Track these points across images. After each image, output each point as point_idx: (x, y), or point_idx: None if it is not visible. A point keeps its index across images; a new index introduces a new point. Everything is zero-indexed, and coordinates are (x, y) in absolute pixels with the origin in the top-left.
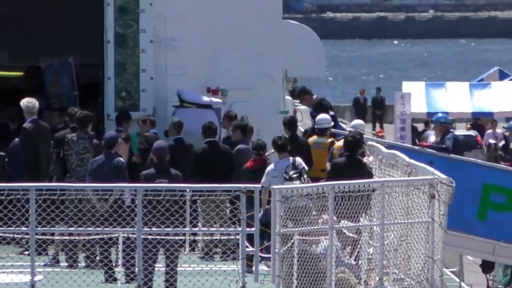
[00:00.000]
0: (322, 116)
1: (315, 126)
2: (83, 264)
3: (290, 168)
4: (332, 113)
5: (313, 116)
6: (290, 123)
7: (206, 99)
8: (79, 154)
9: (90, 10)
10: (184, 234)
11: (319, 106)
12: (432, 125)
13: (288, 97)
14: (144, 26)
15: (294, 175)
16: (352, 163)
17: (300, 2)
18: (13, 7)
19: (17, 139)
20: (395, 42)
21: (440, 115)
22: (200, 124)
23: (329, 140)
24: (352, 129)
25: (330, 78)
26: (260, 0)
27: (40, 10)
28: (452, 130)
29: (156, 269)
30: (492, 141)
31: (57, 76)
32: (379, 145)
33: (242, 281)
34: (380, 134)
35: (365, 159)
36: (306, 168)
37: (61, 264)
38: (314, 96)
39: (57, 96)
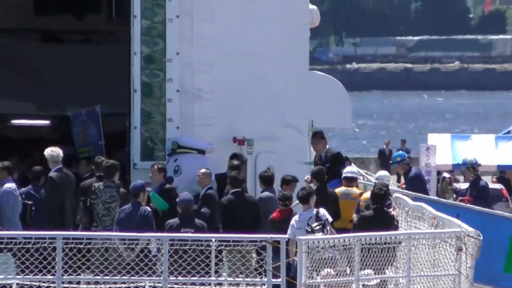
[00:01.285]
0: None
1: (343, 176)
2: None
3: (313, 220)
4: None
5: (328, 167)
6: (318, 174)
7: (202, 143)
8: (105, 203)
9: (117, 59)
10: (209, 284)
11: (339, 159)
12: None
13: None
14: (170, 75)
15: (317, 227)
16: (380, 215)
17: (325, 53)
18: (40, 56)
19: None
20: (421, 93)
21: (398, 153)
22: (199, 167)
23: (359, 191)
24: (377, 181)
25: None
26: (286, 51)
27: (67, 59)
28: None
29: None
30: None
31: (85, 125)
32: (405, 197)
33: None
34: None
35: (391, 211)
36: (330, 219)
37: None
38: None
39: (85, 146)
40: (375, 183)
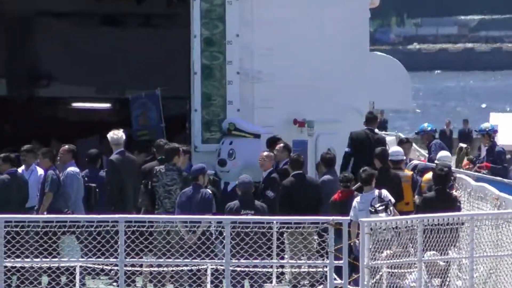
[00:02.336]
0: (395, 148)
1: (390, 159)
2: None
3: (376, 201)
4: None
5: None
6: (382, 155)
7: (258, 128)
8: (166, 186)
9: (177, 42)
10: (271, 266)
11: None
12: None
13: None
14: (230, 57)
15: (380, 208)
16: (442, 196)
17: (387, 34)
18: (100, 40)
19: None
20: (483, 73)
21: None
22: (256, 153)
23: (410, 173)
24: (438, 162)
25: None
26: (347, 32)
27: (127, 43)
28: None
29: None
30: None
31: (145, 108)
32: (467, 178)
33: None
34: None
35: (453, 192)
36: (393, 200)
37: None
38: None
39: (147, 128)
40: (436, 164)
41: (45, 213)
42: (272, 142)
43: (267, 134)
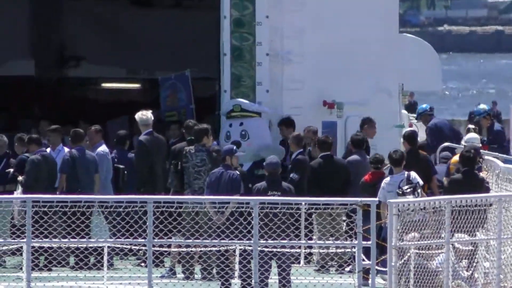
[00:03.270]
0: (472, 135)
1: (464, 144)
2: (200, 276)
3: (404, 183)
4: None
5: None
6: (410, 137)
7: (262, 107)
8: (196, 166)
9: (206, 23)
10: (299, 247)
11: None
12: None
13: (404, 111)
14: (260, 39)
15: (408, 190)
16: (469, 178)
17: (417, 16)
18: (130, 20)
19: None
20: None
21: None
22: (266, 132)
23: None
24: (467, 144)
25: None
26: (376, 14)
27: (157, 24)
28: None
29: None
30: None
31: (174, 89)
32: (495, 160)
33: None
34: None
35: (481, 174)
36: (421, 182)
37: (177, 276)
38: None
39: (175, 109)
40: (464, 145)
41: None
42: (287, 123)
43: (271, 113)
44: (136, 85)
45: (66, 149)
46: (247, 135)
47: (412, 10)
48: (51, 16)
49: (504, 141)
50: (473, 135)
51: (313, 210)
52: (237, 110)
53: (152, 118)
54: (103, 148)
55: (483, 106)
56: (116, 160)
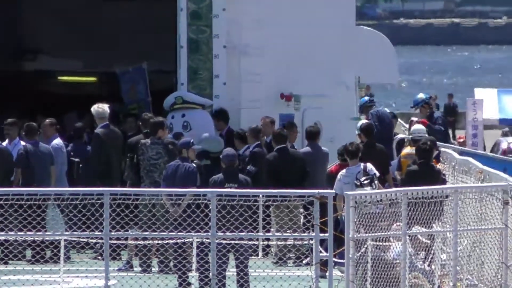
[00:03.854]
0: (418, 126)
1: (411, 137)
2: (157, 269)
3: (361, 175)
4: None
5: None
6: (367, 129)
7: (204, 99)
8: (151, 159)
9: (163, 16)
10: (257, 239)
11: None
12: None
13: None
14: (217, 31)
15: (365, 182)
16: (426, 170)
17: (373, 8)
18: (85, 14)
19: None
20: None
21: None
22: (209, 124)
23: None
24: (413, 135)
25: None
26: (333, 7)
27: (114, 16)
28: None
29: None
30: None
31: (133, 82)
32: (452, 152)
33: (316, 286)
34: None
35: (437, 166)
36: (378, 174)
37: (134, 269)
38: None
39: (135, 102)
40: (411, 137)
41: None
42: (219, 114)
43: (211, 104)
44: (93, 78)
45: (23, 143)
46: (189, 126)
47: (369, 3)
48: (8, 9)
49: (444, 125)
50: (418, 126)
51: (270, 203)
52: (179, 102)
53: (108, 111)
54: (57, 141)
55: (421, 96)
56: (72, 153)
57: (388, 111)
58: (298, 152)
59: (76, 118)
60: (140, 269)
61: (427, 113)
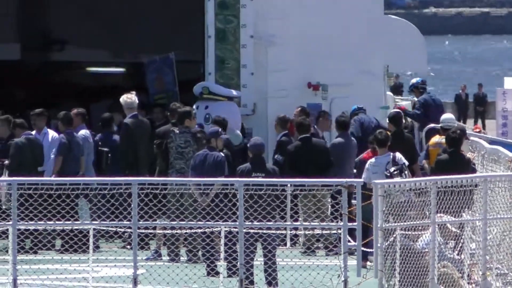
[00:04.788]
0: (448, 115)
1: (440, 125)
2: (185, 258)
3: (390, 165)
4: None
5: None
6: (395, 119)
7: (231, 91)
8: (179, 147)
9: (190, 6)
10: (285, 229)
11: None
12: None
13: (389, 93)
14: (244, 21)
15: (395, 172)
16: (455, 159)
17: None
18: (114, 3)
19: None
20: (499, 38)
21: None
22: (233, 116)
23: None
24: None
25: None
26: None
27: (141, 6)
28: None
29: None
30: None
31: (160, 71)
32: (481, 141)
33: (344, 276)
34: (476, 130)
35: (468, 155)
36: (407, 163)
37: (163, 258)
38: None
39: (163, 92)
40: (441, 126)
41: (53, 176)
42: None
43: (238, 96)
44: (120, 69)
45: (52, 132)
46: (210, 118)
47: None
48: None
49: (427, 110)
50: (448, 115)
51: (298, 192)
52: (205, 93)
53: (137, 101)
54: (83, 131)
55: (412, 81)
56: (100, 143)
57: (375, 120)
58: (321, 141)
59: (103, 108)
60: (168, 258)
61: (418, 97)
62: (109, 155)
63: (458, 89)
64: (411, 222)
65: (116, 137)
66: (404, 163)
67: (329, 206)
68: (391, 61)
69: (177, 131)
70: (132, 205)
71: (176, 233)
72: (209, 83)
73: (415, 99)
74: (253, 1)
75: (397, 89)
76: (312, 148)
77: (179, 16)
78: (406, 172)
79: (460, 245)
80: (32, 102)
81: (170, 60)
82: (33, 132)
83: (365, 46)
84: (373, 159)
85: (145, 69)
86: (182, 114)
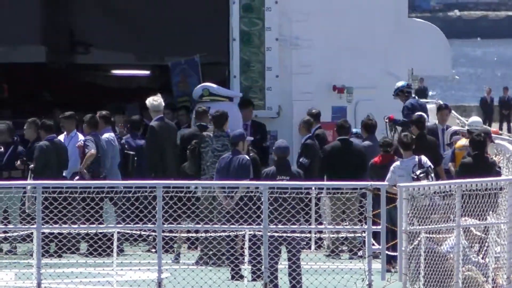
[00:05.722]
0: (475, 118)
1: (467, 128)
2: (210, 261)
3: (416, 168)
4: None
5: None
6: (419, 121)
7: (231, 91)
8: (216, 151)
9: (215, 9)
10: (309, 232)
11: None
12: None
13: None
14: (269, 24)
15: (421, 175)
16: (480, 162)
17: (427, 1)
18: (139, 6)
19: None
20: None
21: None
22: (234, 116)
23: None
24: (469, 127)
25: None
26: None
27: (166, 9)
28: None
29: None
30: None
31: (185, 74)
32: (506, 144)
33: (369, 279)
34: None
35: (492, 158)
36: (432, 166)
37: (187, 261)
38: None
39: (188, 94)
40: (467, 130)
41: (84, 171)
42: (244, 103)
43: (239, 96)
44: (146, 72)
45: (81, 136)
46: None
47: None
48: (61, 2)
49: (407, 117)
50: (475, 118)
51: (322, 195)
52: (206, 94)
53: (163, 104)
54: (108, 134)
55: (397, 84)
56: (126, 146)
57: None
58: (360, 144)
59: (134, 111)
60: (192, 262)
61: (404, 101)
62: (135, 158)
63: (483, 93)
64: (436, 226)
65: (142, 140)
66: (430, 166)
67: (356, 209)
68: (416, 64)
69: (212, 135)
70: (157, 208)
71: (200, 236)
72: (209, 85)
73: (440, 101)
74: (277, 4)
75: (422, 93)
76: (350, 151)
77: (204, 19)
78: (431, 175)
79: (485, 248)
80: (57, 104)
81: (195, 62)
82: (62, 135)
83: (390, 49)
84: (398, 162)
85: (170, 71)
86: (219, 117)
